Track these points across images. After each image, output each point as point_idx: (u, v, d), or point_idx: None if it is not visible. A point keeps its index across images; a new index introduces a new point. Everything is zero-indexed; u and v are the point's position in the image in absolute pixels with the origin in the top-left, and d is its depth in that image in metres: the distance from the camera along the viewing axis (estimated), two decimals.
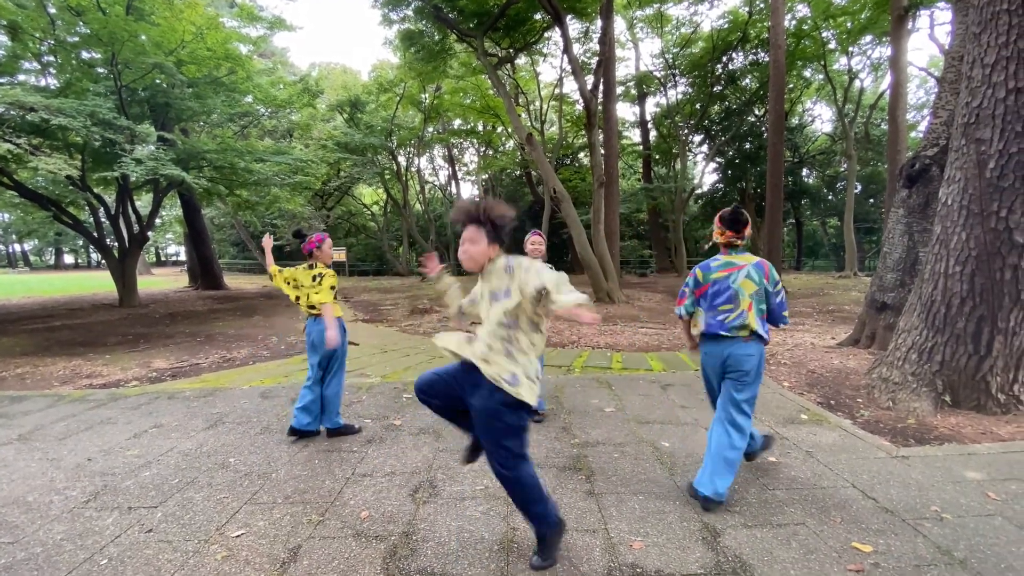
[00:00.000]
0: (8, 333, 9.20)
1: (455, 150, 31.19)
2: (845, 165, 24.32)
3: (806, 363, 5.52)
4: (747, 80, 23.43)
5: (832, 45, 20.41)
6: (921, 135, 5.95)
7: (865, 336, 6.19)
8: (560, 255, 29.28)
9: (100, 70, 11.56)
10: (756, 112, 25.07)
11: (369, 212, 33.79)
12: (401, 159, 26.72)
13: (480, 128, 27.89)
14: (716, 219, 2.64)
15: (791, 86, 21.91)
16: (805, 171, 29.49)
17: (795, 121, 26.94)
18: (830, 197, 29.66)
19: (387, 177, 26.17)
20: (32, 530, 2.42)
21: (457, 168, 31.92)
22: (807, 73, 23.06)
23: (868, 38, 19.83)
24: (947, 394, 3.95)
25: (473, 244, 1.97)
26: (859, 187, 26.57)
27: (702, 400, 4.24)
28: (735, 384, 2.57)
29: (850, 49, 20.75)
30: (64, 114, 8.63)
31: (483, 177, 31.81)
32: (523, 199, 30.58)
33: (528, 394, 1.92)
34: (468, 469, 2.99)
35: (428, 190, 34.45)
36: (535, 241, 3.66)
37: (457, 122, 28.43)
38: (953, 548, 2.15)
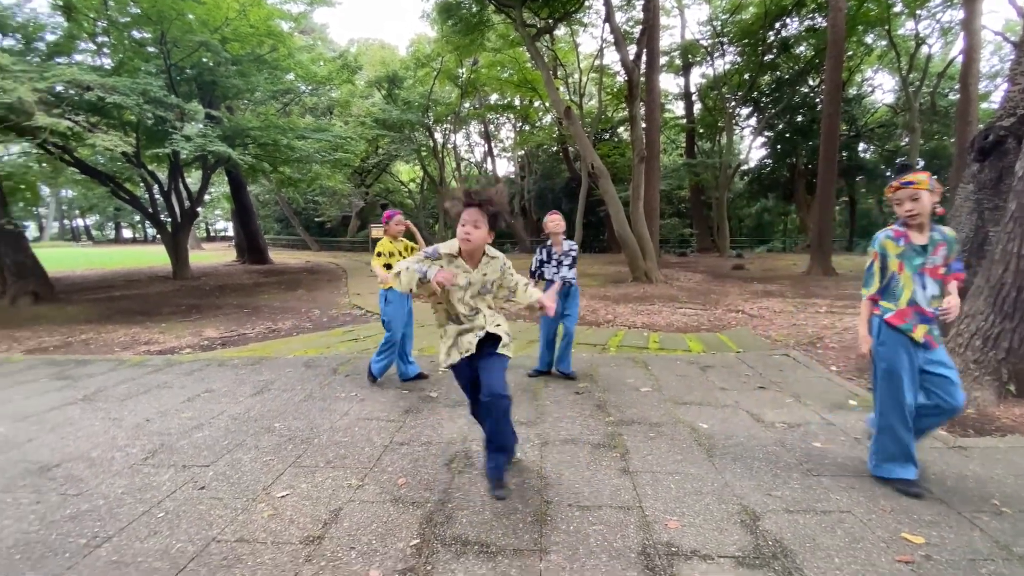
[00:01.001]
0: (74, 302, 9.85)
1: (491, 126, 30.91)
2: (907, 139, 22.73)
3: (856, 347, 5.26)
4: (801, 48, 22.06)
5: (898, 8, 18.90)
6: (994, 106, 5.47)
7: None
8: (596, 233, 28.85)
9: (150, 49, 11.94)
10: (810, 82, 23.65)
11: (406, 189, 34.13)
12: (438, 135, 26.73)
13: (517, 103, 27.48)
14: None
15: (850, 53, 20.50)
16: (862, 145, 27.75)
17: (853, 91, 25.28)
18: (888, 174, 27.83)
19: (424, 154, 26.26)
20: (95, 483, 2.59)
21: (493, 144, 31.70)
22: (869, 39, 21.48)
23: (938, 0, 18.25)
24: (1012, 383, 3.68)
25: (476, 228, 2.17)
26: (921, 162, 24.83)
27: (743, 382, 4.13)
28: None
29: (918, 12, 19.17)
30: (118, 92, 8.98)
31: (519, 153, 31.49)
32: (559, 176, 30.16)
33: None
34: None
35: (464, 167, 34.42)
36: (555, 220, 4.02)
37: (494, 97, 28.09)
38: (1013, 544, 2.02)
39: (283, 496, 2.43)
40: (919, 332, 2.35)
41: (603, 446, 2.95)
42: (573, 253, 4.09)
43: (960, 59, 15.00)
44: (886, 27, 19.41)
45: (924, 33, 20.50)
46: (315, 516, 2.26)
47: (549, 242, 4.06)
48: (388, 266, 4.11)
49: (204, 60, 12.37)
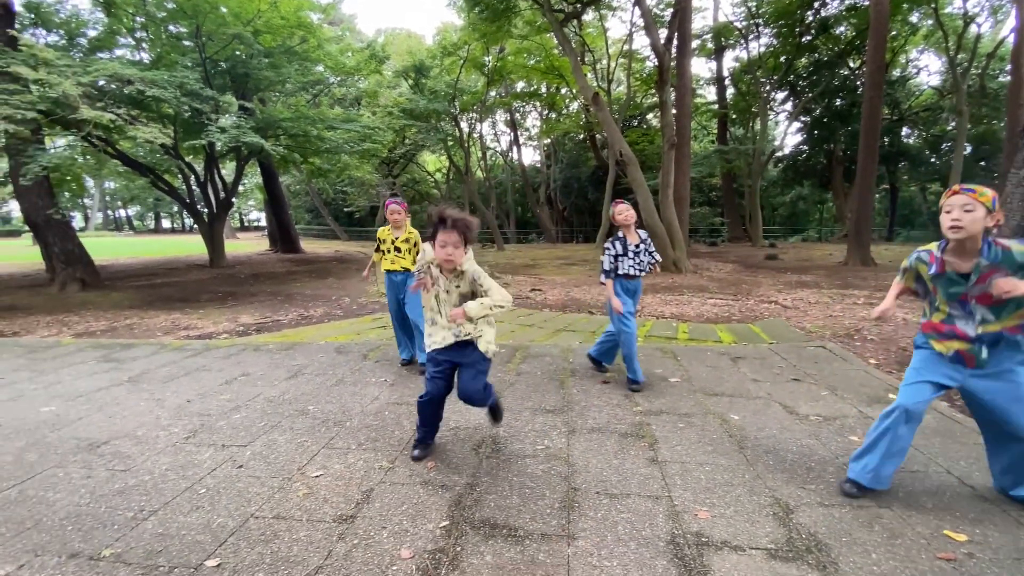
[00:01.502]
0: (118, 288, 10.29)
1: (517, 114, 30.70)
2: (954, 123, 21.64)
3: (896, 340, 5.08)
4: (842, 28, 21.14)
5: None
6: None
7: None
8: None
9: (186, 43, 12.27)
10: (851, 64, 22.68)
11: (432, 179, 34.30)
12: (464, 125, 26.69)
13: (543, 90, 27.20)
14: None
15: (894, 33, 19.52)
16: (905, 130, 26.53)
17: (896, 73, 24.14)
18: (933, 160, 26.59)
19: (450, 144, 26.29)
20: (141, 460, 2.72)
21: (519, 133, 31.50)
22: (914, 18, 20.42)
23: None
24: None
25: (456, 248, 2.40)
26: (969, 148, 23.57)
27: (776, 374, 4.03)
28: None
29: None
30: (157, 86, 9.27)
31: (545, 142, 31.25)
32: (586, 163, 29.82)
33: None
34: (529, 429, 3.03)
35: (489, 156, 34.36)
36: (622, 210, 3.74)
37: (520, 85, 27.87)
38: None
39: (317, 476, 2.51)
40: (943, 345, 2.16)
41: (631, 436, 2.93)
42: (650, 240, 3.83)
43: (1012, 38, 14.11)
44: (933, 5, 18.40)
45: (973, 11, 19.40)
46: (348, 496, 2.32)
47: (620, 234, 3.68)
48: (380, 251, 4.30)
49: (237, 53, 12.63)
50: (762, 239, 23.02)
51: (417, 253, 4.13)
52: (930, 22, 20.01)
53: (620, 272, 3.69)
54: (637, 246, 3.72)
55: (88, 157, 14.49)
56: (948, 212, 1.99)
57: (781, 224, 32.55)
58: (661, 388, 3.74)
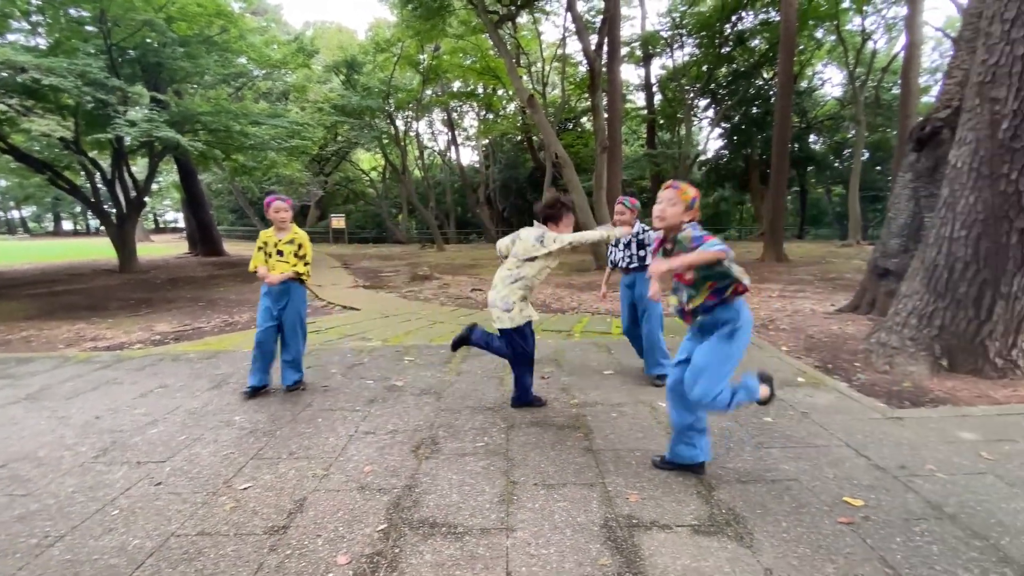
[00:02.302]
0: (11, 298, 9.24)
1: (455, 114, 30.55)
2: (853, 131, 23.84)
3: (805, 328, 5.55)
4: (756, 41, 22.74)
5: (846, 3, 19.68)
6: (934, 100, 5.81)
7: (865, 302, 6.20)
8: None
9: (89, 28, 11.20)
10: (764, 75, 24.44)
11: (367, 178, 33.38)
12: (399, 123, 26.21)
13: (480, 91, 27.23)
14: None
15: (801, 47, 21.26)
16: (812, 137, 28.95)
17: (804, 84, 26.27)
18: (836, 164, 29.22)
19: (385, 142, 25.73)
20: (44, 483, 2.48)
21: (457, 133, 31.34)
22: (819, 33, 22.35)
23: None
24: (944, 358, 3.97)
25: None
26: (866, 154, 26.10)
27: None
28: None
29: (865, 8, 20.04)
30: (55, 74, 8.42)
31: (483, 142, 31.29)
32: (524, 165, 30.17)
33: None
34: (469, 427, 3.05)
35: (427, 156, 33.92)
36: (619, 211, 3.81)
37: (456, 84, 27.74)
38: (944, 504, 2.20)
39: (245, 488, 2.39)
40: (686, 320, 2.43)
41: (567, 427, 3.02)
42: (647, 231, 3.78)
43: (902, 54, 15.79)
44: (835, 22, 20.21)
45: (870, 29, 21.49)
46: (279, 506, 2.24)
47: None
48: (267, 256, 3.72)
49: (148, 41, 11.71)
50: None
51: (303, 258, 3.69)
52: (833, 38, 21.95)
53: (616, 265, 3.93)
54: (628, 240, 3.81)
55: None
56: (658, 203, 2.24)
57: (705, 224, 34.16)
58: (596, 381, 3.87)
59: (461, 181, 31.37)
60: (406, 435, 2.97)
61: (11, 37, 11.38)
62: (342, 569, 1.83)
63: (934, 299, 4.05)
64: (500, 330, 3.20)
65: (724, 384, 2.26)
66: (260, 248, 3.75)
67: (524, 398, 3.34)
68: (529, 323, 3.19)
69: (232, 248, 21.94)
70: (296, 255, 3.70)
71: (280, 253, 3.67)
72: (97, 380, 4.12)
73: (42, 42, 11.75)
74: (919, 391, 3.63)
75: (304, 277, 3.77)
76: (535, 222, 3.19)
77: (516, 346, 3.19)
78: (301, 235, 3.76)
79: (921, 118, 6.17)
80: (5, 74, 8.71)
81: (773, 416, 3.14)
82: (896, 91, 21.66)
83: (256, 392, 3.65)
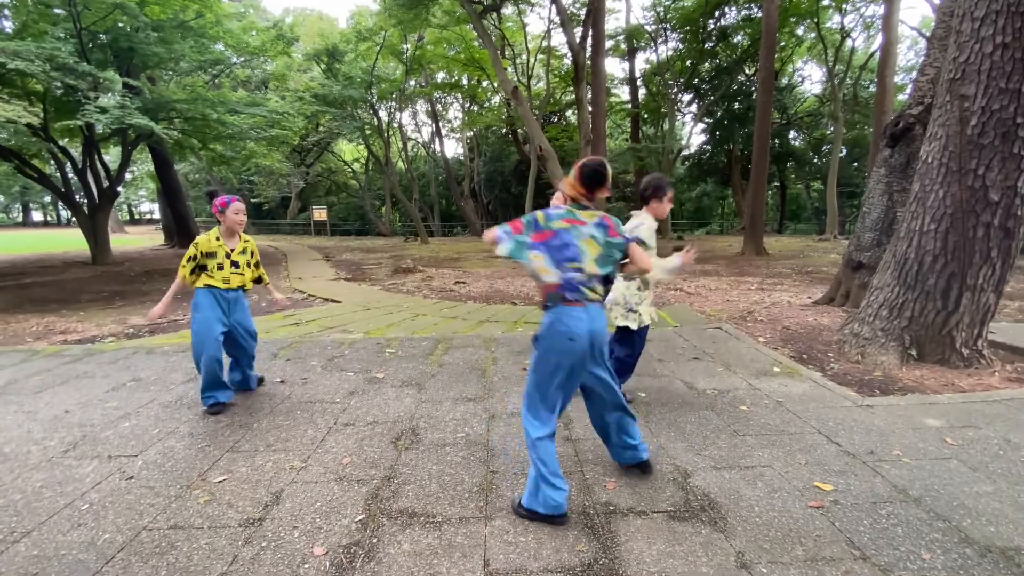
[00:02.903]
0: None
1: (439, 105, 30.25)
2: (832, 128, 24.25)
3: (781, 320, 5.65)
4: (739, 37, 22.93)
5: (826, 1, 19.95)
6: (908, 98, 5.94)
7: (840, 295, 6.34)
8: None
9: (58, 11, 10.79)
10: (746, 71, 24.68)
11: (350, 170, 32.93)
12: (382, 114, 25.87)
13: (464, 82, 27.01)
14: (575, 170, 2.12)
15: (782, 44, 21.52)
16: (792, 133, 29.35)
17: (785, 81, 26.60)
18: (815, 160, 29.69)
19: (368, 133, 25.39)
20: (10, 479, 2.41)
21: (441, 124, 31.07)
22: (800, 31, 22.63)
23: None
24: (913, 348, 4.09)
25: None
26: (844, 151, 26.57)
27: (679, 354, 4.34)
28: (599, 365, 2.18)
29: (844, 6, 20.33)
30: (21, 57, 8.10)
31: (468, 135, 31.08)
32: (509, 157, 30.06)
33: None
34: (450, 418, 3.04)
35: (411, 147, 33.58)
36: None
37: (440, 75, 27.47)
38: (909, 487, 2.27)
39: (220, 481, 2.36)
40: None
41: None
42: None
43: (879, 52, 16.07)
44: (815, 19, 20.48)
45: (849, 27, 21.81)
46: (255, 499, 2.21)
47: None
48: (201, 268, 3.21)
49: (120, 25, 11.32)
50: (671, 232, 24.52)
51: (257, 265, 3.44)
52: (813, 35, 22.25)
53: None
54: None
55: None
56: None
57: (688, 218, 34.83)
58: None
59: (445, 173, 31.13)
60: (386, 427, 2.95)
61: None
62: (319, 560, 1.82)
63: (904, 291, 4.15)
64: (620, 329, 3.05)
65: (527, 405, 2.10)
66: (193, 259, 3.17)
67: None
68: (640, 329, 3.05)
69: None
70: (249, 264, 3.38)
71: (235, 264, 3.28)
72: (67, 374, 4.01)
73: (8, 25, 11.30)
74: (889, 380, 3.73)
75: (266, 281, 3.57)
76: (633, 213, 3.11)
77: (636, 347, 3.09)
78: (251, 242, 3.46)
79: (895, 114, 6.30)
80: None
81: (749, 405, 3.20)
82: (873, 89, 22.08)
83: (216, 410, 3.18)
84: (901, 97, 21.83)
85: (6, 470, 2.50)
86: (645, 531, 1.96)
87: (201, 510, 2.13)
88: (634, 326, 3.02)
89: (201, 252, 3.18)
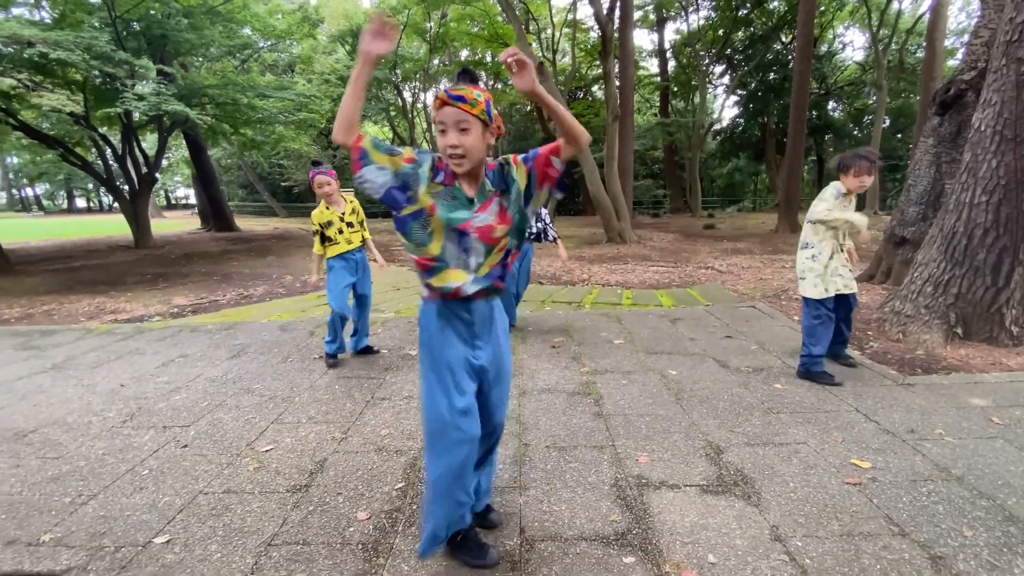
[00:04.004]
0: (31, 274, 9.44)
1: None
2: (874, 97, 23.06)
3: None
4: (775, 2, 21.84)
5: None
6: (959, 62, 5.60)
7: (880, 272, 6.12)
8: (571, 195, 28.75)
9: (93, 0, 11.07)
10: (783, 39, 23.55)
11: None
12: (406, 94, 25.82)
13: (488, 60, 26.64)
14: None
15: (822, 8, 20.40)
16: (831, 104, 28.02)
17: (824, 48, 25.30)
18: (856, 132, 28.32)
19: (393, 114, 25.42)
20: (75, 447, 2.59)
21: None
22: None
23: None
24: (959, 326, 3.94)
25: None
26: (887, 121, 25.29)
27: (711, 333, 4.30)
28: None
29: None
30: (62, 47, 8.35)
31: None
32: (534, 135, 29.70)
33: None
34: None
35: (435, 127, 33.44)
36: None
37: (464, 53, 27.15)
38: (951, 466, 2.22)
39: (267, 450, 2.48)
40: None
41: (578, 394, 3.07)
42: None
43: (928, 14, 15.12)
44: None
45: None
46: (300, 467, 2.32)
47: None
48: (327, 239, 3.57)
49: (152, 12, 11.54)
50: (701, 210, 23.94)
51: (363, 224, 3.76)
52: None
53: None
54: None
55: None
56: (442, 132, 1.46)
57: (719, 195, 33.90)
58: (606, 350, 3.91)
59: None
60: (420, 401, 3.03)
61: (15, 11, 11.28)
62: (363, 524, 1.91)
63: (951, 266, 3.99)
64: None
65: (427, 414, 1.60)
66: (316, 233, 3.59)
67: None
68: (809, 300, 3.22)
69: (244, 224, 22.06)
70: (359, 223, 3.72)
71: (350, 225, 3.63)
72: (120, 350, 4.24)
73: (46, 16, 11.65)
74: (932, 359, 3.62)
75: (368, 239, 3.83)
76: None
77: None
78: (356, 201, 3.76)
79: (945, 80, 5.96)
80: (12, 49, 8.67)
81: (783, 383, 3.16)
82: (920, 54, 20.81)
83: (332, 360, 3.70)
84: (951, 62, 20.53)
85: (71, 439, 2.68)
86: (678, 503, 1.98)
87: (251, 476, 2.25)
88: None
89: (319, 225, 3.56)
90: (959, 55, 21.64)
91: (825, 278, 3.17)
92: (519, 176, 1.55)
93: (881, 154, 3.37)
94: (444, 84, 29.68)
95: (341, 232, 3.58)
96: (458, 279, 1.51)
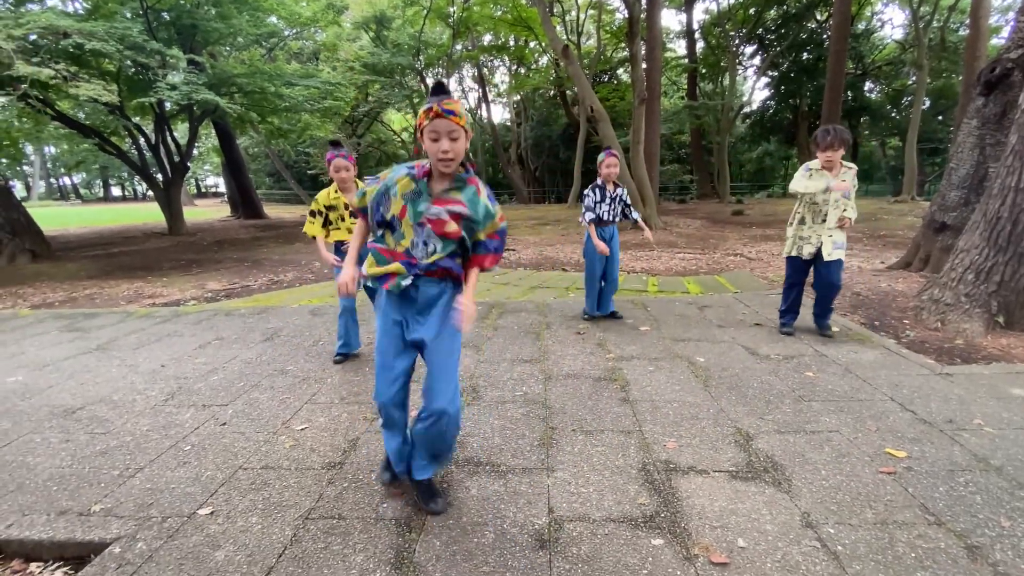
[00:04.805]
0: (72, 259, 9.84)
1: (485, 69, 29.76)
2: (914, 77, 22.06)
3: (851, 286, 5.36)
4: None
5: None
6: (1004, 41, 5.31)
7: (918, 259, 5.92)
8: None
9: None
10: (817, 17, 22.66)
11: (399, 139, 33.24)
12: (429, 80, 25.75)
13: (511, 44, 26.36)
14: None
15: None
16: (868, 85, 26.90)
17: (861, 27, 24.24)
18: (893, 114, 27.18)
19: (416, 101, 25.41)
20: (121, 423, 2.72)
21: (488, 89, 30.62)
22: None
23: None
24: (1001, 315, 3.80)
25: None
26: (927, 102, 24.16)
27: (740, 320, 4.24)
28: None
29: None
30: (97, 38, 8.59)
31: (514, 99, 30.52)
32: (557, 121, 29.38)
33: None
34: (507, 378, 3.14)
35: None
36: (610, 163, 3.99)
37: (487, 38, 26.92)
38: (990, 457, 2.16)
39: (302, 429, 2.56)
40: (394, 283, 1.79)
41: (604, 379, 3.07)
42: (626, 194, 4.19)
43: None
44: None
45: None
46: (334, 445, 2.40)
47: (600, 182, 4.01)
48: (328, 221, 3.38)
49: (182, 2, 11.76)
50: (729, 195, 23.41)
51: None
52: None
53: (605, 219, 4.06)
54: (614, 195, 4.06)
55: (24, 120, 13.51)
56: (435, 140, 1.66)
57: (748, 180, 33.07)
58: (632, 336, 3.89)
59: (492, 140, 30.87)
60: None
61: (49, 3, 11.63)
62: (396, 500, 1.97)
63: (994, 253, 3.84)
64: None
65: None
66: (318, 213, 3.35)
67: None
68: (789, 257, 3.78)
69: (272, 211, 22.52)
70: None
71: (354, 215, 3.22)
72: (159, 333, 4.40)
73: (79, 7, 11.97)
74: (972, 348, 3.50)
75: None
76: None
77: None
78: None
79: (991, 59, 5.66)
80: (48, 40, 8.96)
81: (815, 371, 3.10)
82: (963, 32, 19.76)
83: (341, 360, 3.53)
84: (996, 41, 19.43)
85: (116, 415, 2.81)
86: (707, 488, 1.98)
87: (287, 453, 2.34)
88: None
89: (322, 206, 3.40)
90: (1005, 33, 20.46)
91: (794, 240, 3.70)
92: (476, 219, 1.79)
93: (849, 133, 3.59)
94: (466, 70, 29.49)
95: (343, 220, 3.40)
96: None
